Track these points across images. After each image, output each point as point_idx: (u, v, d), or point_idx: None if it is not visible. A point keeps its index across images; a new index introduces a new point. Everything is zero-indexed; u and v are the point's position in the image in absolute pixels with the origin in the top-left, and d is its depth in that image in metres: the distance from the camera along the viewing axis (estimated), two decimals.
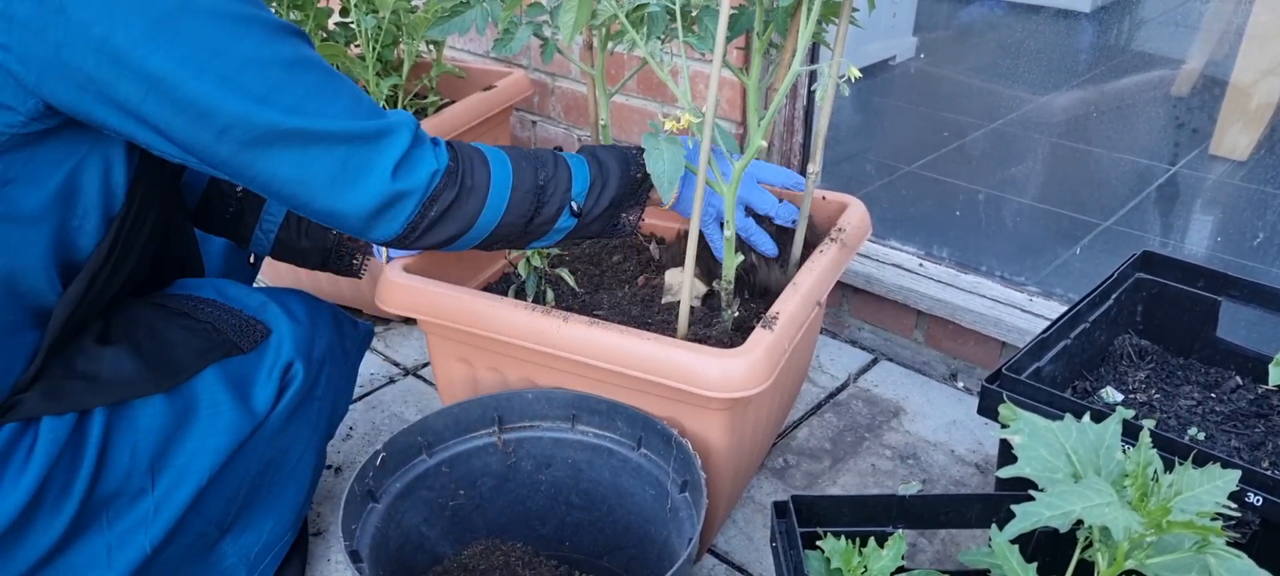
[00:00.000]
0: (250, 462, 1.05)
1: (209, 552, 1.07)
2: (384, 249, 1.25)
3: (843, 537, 0.89)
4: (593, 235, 1.08)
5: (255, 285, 1.24)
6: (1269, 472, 0.92)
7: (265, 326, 1.07)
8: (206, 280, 1.14)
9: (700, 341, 1.13)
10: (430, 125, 1.64)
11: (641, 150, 1.06)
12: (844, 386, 1.67)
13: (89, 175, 0.90)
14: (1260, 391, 1.25)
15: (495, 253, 1.42)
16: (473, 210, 0.95)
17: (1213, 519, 0.72)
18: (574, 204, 1.02)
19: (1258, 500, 0.91)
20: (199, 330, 1.04)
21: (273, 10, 1.61)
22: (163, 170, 0.99)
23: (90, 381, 0.94)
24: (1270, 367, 1.08)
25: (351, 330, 1.22)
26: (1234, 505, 0.75)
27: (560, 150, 1.06)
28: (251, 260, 1.31)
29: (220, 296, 1.10)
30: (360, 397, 1.65)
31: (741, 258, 1.19)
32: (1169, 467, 0.77)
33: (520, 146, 1.02)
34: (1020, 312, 1.58)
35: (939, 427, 1.56)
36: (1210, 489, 0.75)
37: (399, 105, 1.71)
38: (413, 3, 1.62)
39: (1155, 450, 0.76)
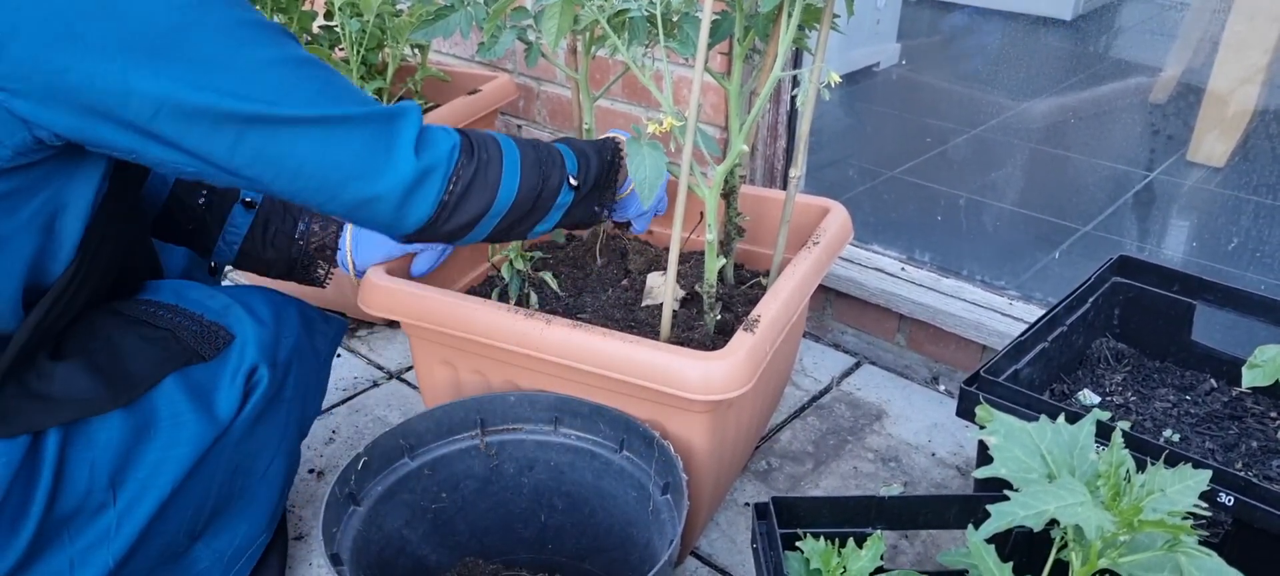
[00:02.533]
0: (217, 470, 1.04)
1: (181, 557, 1.06)
2: (350, 259, 1.24)
3: (822, 538, 0.89)
4: (576, 221, 1.11)
5: (224, 281, 1.23)
6: (1241, 473, 0.94)
7: (227, 332, 1.05)
8: (167, 282, 1.11)
9: (682, 344, 1.14)
10: None
11: (606, 140, 1.13)
12: (827, 389, 1.68)
13: (66, 203, 0.89)
14: (1234, 394, 1.27)
15: (480, 251, 1.43)
16: (493, 182, 0.97)
17: (1184, 518, 0.74)
18: (572, 177, 1.05)
19: (1229, 500, 0.93)
20: (157, 338, 1.01)
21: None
22: (127, 189, 0.97)
23: (43, 401, 0.92)
24: (1244, 370, 1.10)
25: (322, 326, 1.20)
26: (1205, 505, 0.76)
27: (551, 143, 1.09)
28: (212, 269, 1.28)
29: (180, 300, 1.07)
30: (343, 401, 1.65)
31: (723, 261, 1.20)
32: (1141, 468, 0.79)
33: (523, 139, 1.07)
34: (1000, 316, 1.59)
35: (921, 430, 1.57)
36: (1181, 489, 0.76)
37: None
38: (397, 6, 1.62)
39: (1127, 451, 0.77)
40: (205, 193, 1.20)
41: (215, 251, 1.23)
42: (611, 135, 1.17)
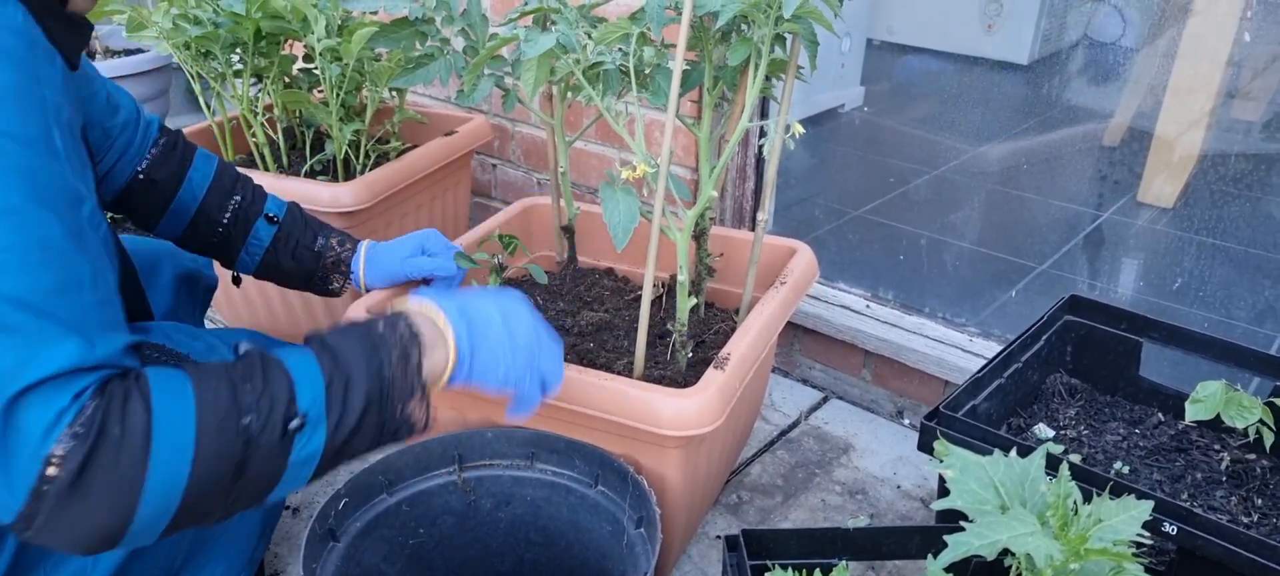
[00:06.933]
0: None
1: None
2: (361, 276, 1.30)
3: (790, 569, 0.93)
4: (364, 450, 0.84)
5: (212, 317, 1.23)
6: (1184, 503, 0.99)
7: None
8: (155, 325, 1.11)
9: (656, 381, 1.18)
10: (392, 170, 1.67)
11: (400, 317, 0.86)
12: (795, 424, 1.72)
13: None
14: (1180, 427, 1.32)
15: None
16: (128, 474, 0.66)
17: (1130, 546, 0.78)
18: (298, 418, 0.76)
19: (1173, 529, 0.98)
20: None
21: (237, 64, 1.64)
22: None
23: None
24: (1187, 405, 1.16)
25: None
26: (1149, 534, 0.81)
27: (266, 351, 0.80)
28: (236, 279, 1.35)
29: (167, 341, 1.06)
30: None
31: (694, 300, 1.24)
32: (1089, 499, 0.83)
33: (213, 363, 0.75)
34: (961, 352, 1.65)
35: (886, 463, 1.61)
36: (1125, 519, 0.81)
37: (362, 150, 1.74)
38: (376, 52, 1.66)
39: (1074, 482, 0.82)
40: (230, 210, 1.26)
41: (237, 262, 1.29)
42: (409, 304, 0.91)
